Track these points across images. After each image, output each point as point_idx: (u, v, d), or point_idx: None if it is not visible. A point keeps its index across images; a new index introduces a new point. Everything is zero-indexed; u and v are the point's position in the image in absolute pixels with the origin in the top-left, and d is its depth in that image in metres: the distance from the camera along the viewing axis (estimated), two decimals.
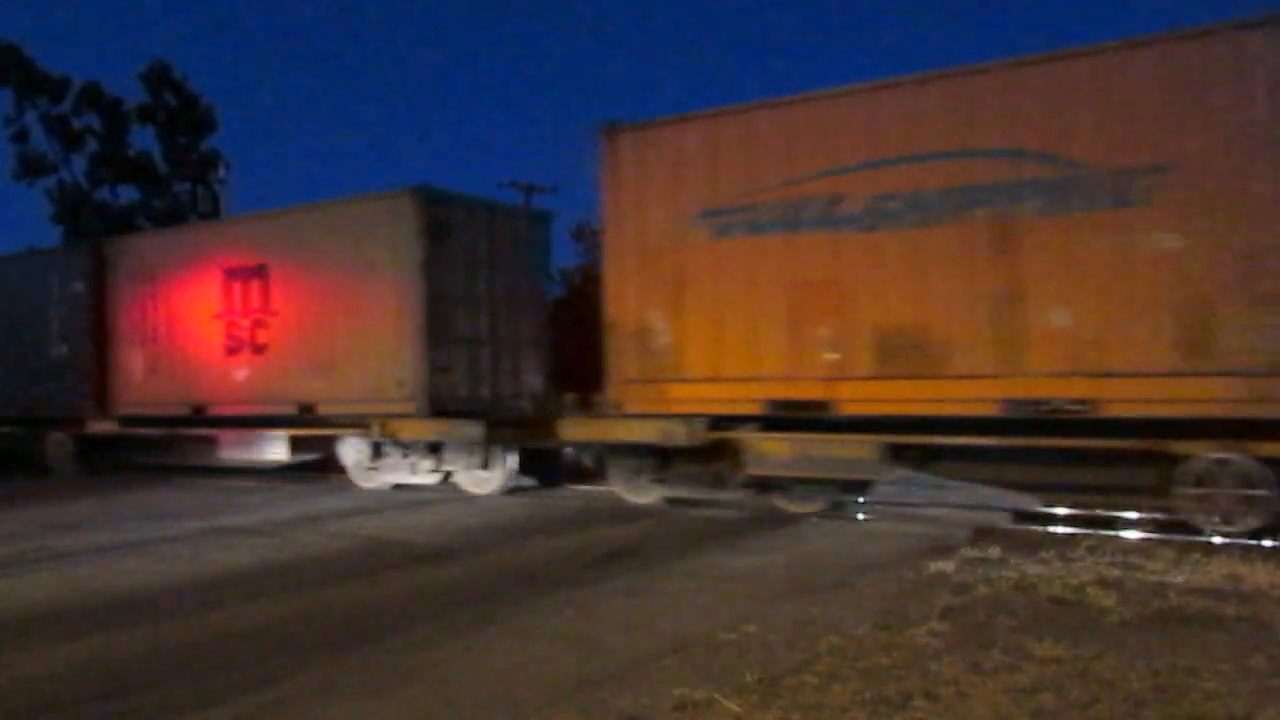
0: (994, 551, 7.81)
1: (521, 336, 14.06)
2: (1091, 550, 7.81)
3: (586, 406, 12.60)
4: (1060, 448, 8.74)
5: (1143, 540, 8.42)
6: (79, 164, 29.07)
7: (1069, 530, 9.09)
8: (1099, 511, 9.55)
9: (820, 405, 9.80)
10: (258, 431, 14.65)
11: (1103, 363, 8.50)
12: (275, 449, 14.66)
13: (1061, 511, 9.79)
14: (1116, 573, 6.97)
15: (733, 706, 4.40)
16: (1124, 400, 8.40)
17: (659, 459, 11.10)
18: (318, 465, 14.80)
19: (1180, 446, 8.33)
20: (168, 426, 15.73)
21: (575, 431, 11.66)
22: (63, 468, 17.32)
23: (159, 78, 29.22)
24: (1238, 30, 8.05)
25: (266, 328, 14.21)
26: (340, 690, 4.93)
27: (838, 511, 10.47)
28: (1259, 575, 6.74)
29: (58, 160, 28.86)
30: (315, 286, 13.68)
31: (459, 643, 5.72)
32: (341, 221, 13.45)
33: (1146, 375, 8.32)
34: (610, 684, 4.84)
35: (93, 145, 29.09)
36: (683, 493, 11.05)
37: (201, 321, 14.99)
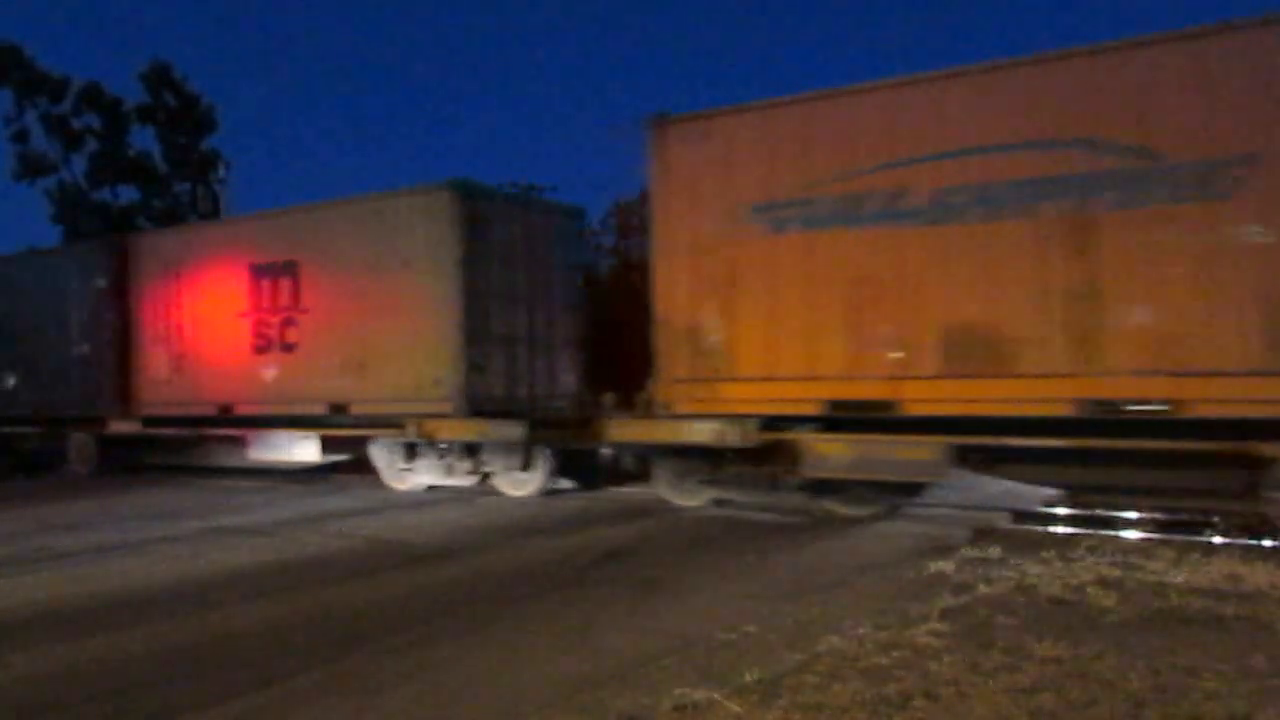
0: (994, 551, 7.79)
1: (556, 335, 13.74)
2: (1091, 550, 7.79)
3: (628, 406, 12.28)
4: (1140, 450, 8.41)
5: (1143, 540, 8.35)
6: (79, 164, 28.86)
7: (1069, 530, 9.00)
8: (1099, 511, 9.42)
9: (883, 405, 9.47)
10: (287, 432, 14.33)
11: (1186, 361, 8.17)
12: (305, 450, 14.36)
13: (1061, 511, 9.66)
14: (1116, 573, 6.95)
15: (733, 706, 4.40)
16: (1209, 400, 8.06)
17: (708, 461, 10.78)
18: (347, 466, 14.54)
19: (1269, 449, 7.99)
20: (193, 427, 15.42)
21: (623, 432, 11.32)
22: (84, 469, 17.02)
23: (159, 78, 28.97)
24: None
25: (296, 326, 13.89)
26: (340, 690, 4.95)
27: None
28: (1259, 575, 6.72)
29: (58, 160, 28.64)
30: (348, 283, 13.35)
31: (458, 643, 5.75)
32: (376, 216, 13.11)
33: (1233, 374, 7.98)
34: (610, 684, 4.86)
35: (93, 145, 28.85)
36: (733, 495, 10.74)
37: (228, 319, 14.67)
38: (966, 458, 9.32)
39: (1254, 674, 4.74)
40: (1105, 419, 8.50)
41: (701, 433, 10.32)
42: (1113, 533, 8.72)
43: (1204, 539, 8.30)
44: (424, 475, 13.13)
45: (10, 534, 10.56)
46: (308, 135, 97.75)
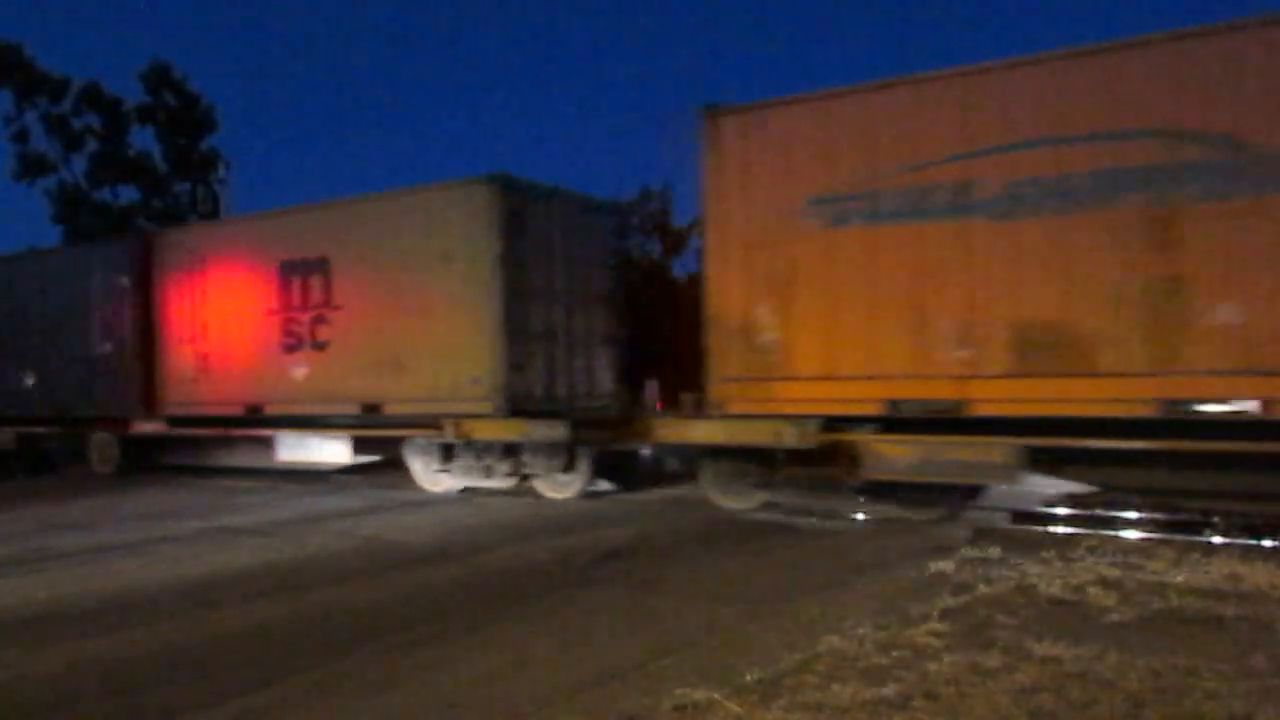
0: (994, 551, 7.75)
1: (595, 333, 13.41)
2: (1091, 550, 7.75)
3: (673, 406, 11.96)
4: (1229, 452, 8.08)
5: (1143, 540, 8.29)
6: (79, 164, 28.64)
7: (1069, 530, 8.91)
8: (1099, 511, 9.30)
9: (950, 405, 9.15)
10: (318, 432, 14.02)
11: (1277, 360, 7.85)
12: (336, 451, 14.04)
13: (1061, 511, 9.54)
14: (1116, 573, 6.91)
15: (733, 706, 4.40)
16: None
17: (762, 463, 10.45)
18: (379, 467, 14.24)
19: None
20: (219, 427, 15.10)
21: (671, 432, 10.98)
22: (107, 470, 16.71)
23: (159, 78, 28.76)
24: None
25: (328, 324, 13.56)
26: (340, 690, 4.96)
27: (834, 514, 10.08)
28: (1259, 575, 6.67)
29: (58, 160, 28.42)
30: (382, 280, 13.02)
31: (458, 642, 5.77)
32: (411, 211, 12.77)
33: None
34: (610, 684, 4.87)
35: (93, 145, 28.63)
36: (788, 498, 10.41)
37: (256, 317, 14.34)
38: (1036, 460, 9.01)
39: (1254, 674, 4.72)
40: (1186, 420, 8.18)
41: (758, 433, 10.00)
42: (1113, 533, 8.63)
43: (1204, 539, 8.22)
44: (461, 477, 12.81)
45: (11, 534, 10.48)
46: (308, 135, 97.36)
